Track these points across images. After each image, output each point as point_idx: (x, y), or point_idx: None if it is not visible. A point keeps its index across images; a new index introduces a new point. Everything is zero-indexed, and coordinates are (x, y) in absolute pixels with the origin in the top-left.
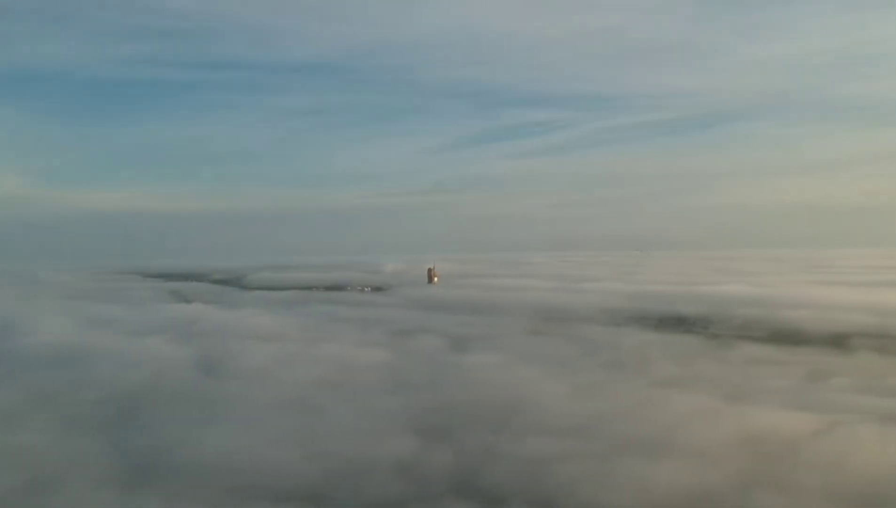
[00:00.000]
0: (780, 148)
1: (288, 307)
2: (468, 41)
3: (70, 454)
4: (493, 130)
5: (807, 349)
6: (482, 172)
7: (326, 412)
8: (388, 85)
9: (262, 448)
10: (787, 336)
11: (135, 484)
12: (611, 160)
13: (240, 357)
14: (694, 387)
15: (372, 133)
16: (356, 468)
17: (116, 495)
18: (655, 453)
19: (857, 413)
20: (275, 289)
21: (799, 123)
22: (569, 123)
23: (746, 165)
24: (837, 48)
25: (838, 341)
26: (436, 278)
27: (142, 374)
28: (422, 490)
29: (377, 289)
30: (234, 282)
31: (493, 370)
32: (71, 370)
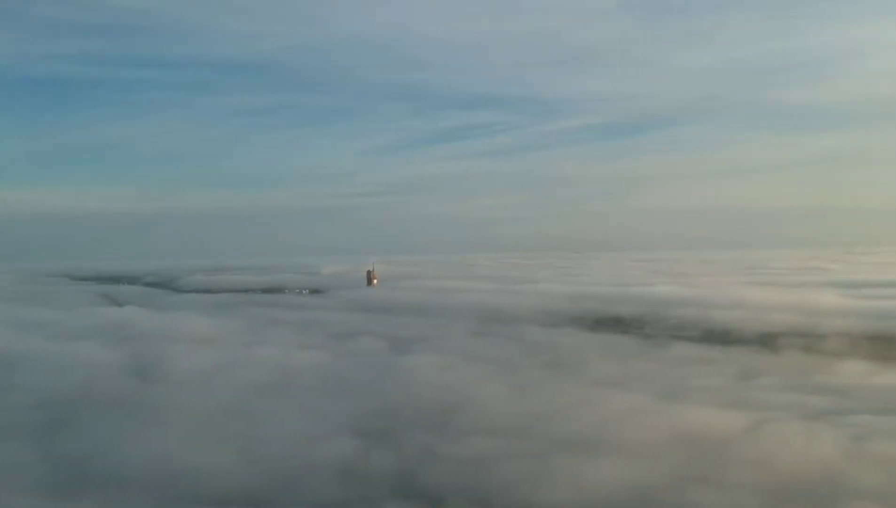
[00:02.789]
0: (712, 152)
1: (223, 310)
2: (411, 42)
3: None
4: (436, 131)
5: (737, 349)
6: (424, 174)
7: (265, 416)
8: (329, 85)
9: (198, 453)
10: (719, 336)
11: (65, 493)
12: (551, 163)
13: (174, 362)
14: (629, 386)
15: (312, 134)
16: (296, 471)
17: (45, 504)
18: (592, 451)
19: (784, 411)
20: (210, 292)
21: (731, 127)
22: (510, 126)
23: (681, 169)
24: (764, 56)
25: (767, 340)
26: (375, 280)
27: (72, 379)
28: (363, 492)
29: (315, 291)
30: (167, 285)
31: (434, 372)
32: None
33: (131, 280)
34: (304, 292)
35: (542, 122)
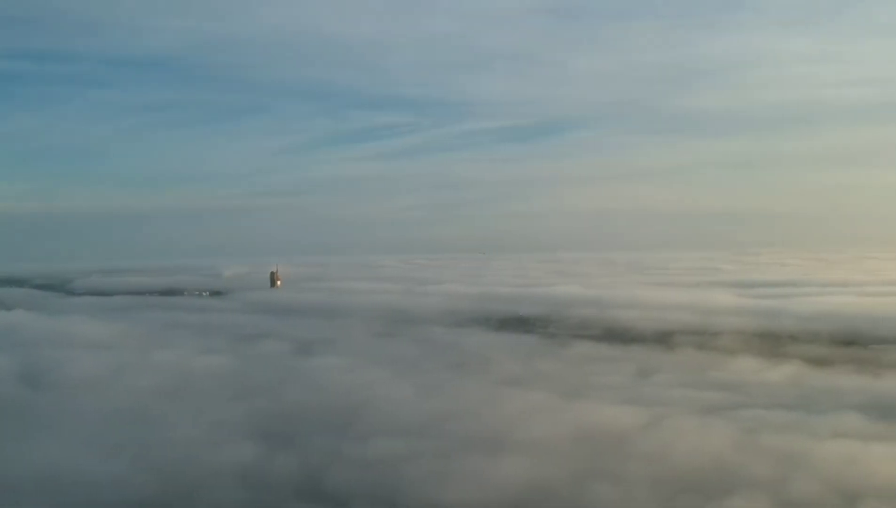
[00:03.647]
0: (615, 155)
1: (119, 314)
2: (317, 41)
3: None
4: (342, 132)
5: (636, 347)
6: (329, 175)
7: (162, 422)
8: (233, 83)
9: (91, 461)
10: (619, 335)
11: None
12: (457, 165)
13: (66, 367)
14: (533, 385)
15: (214, 132)
16: (194, 477)
17: None
18: (496, 449)
19: (680, 406)
20: (104, 294)
21: (632, 131)
22: (416, 127)
23: (584, 172)
24: (666, 63)
25: (664, 338)
26: (279, 282)
27: None
28: (264, 496)
29: (216, 293)
30: (58, 287)
31: (338, 374)
32: None
33: (19, 283)
34: (204, 294)
35: (448, 123)
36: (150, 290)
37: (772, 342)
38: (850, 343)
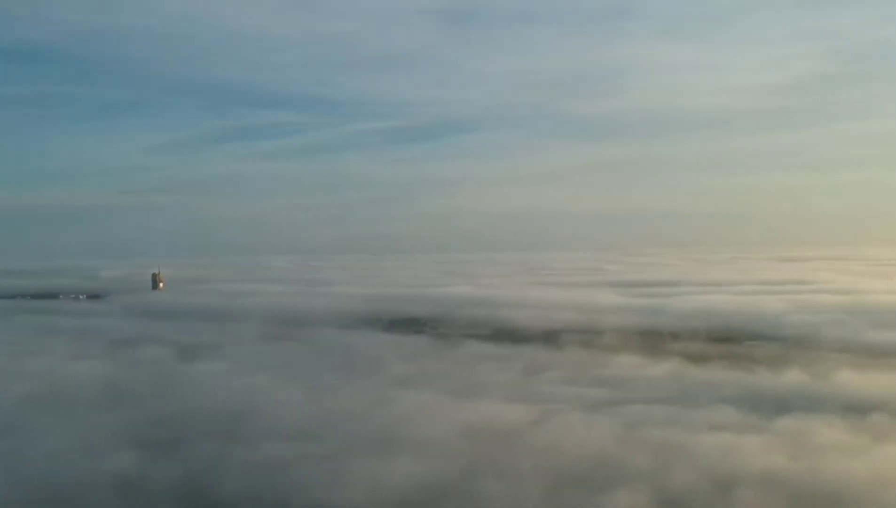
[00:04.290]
0: (506, 158)
1: None
2: (204, 36)
3: None
4: (229, 129)
5: (524, 346)
6: (216, 173)
7: (35, 431)
8: (114, 77)
9: None
10: (508, 334)
11: None
12: (348, 165)
13: None
14: (424, 385)
15: (93, 128)
16: (69, 489)
17: None
18: (387, 450)
19: (566, 403)
20: None
21: (524, 134)
22: (307, 127)
23: (476, 174)
24: (558, 67)
25: (551, 337)
26: (162, 284)
27: None
28: (146, 505)
29: (94, 296)
30: None
31: (224, 378)
32: None
33: None
34: (81, 297)
35: (339, 123)
36: (23, 293)
37: (653, 339)
38: (726, 340)
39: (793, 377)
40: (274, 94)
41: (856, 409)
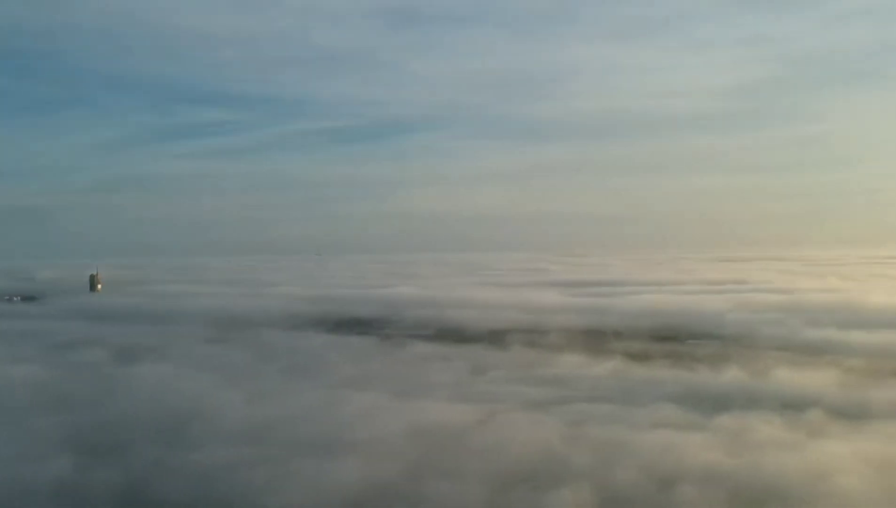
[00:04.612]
0: (450, 159)
1: None
2: (143, 32)
3: None
4: (169, 127)
5: (469, 345)
6: (155, 172)
7: None
8: (49, 72)
9: None
10: (452, 334)
11: None
12: (291, 165)
13: None
14: (369, 386)
15: (25, 125)
16: (4, 496)
17: None
18: (333, 451)
19: (511, 402)
20: None
21: (469, 136)
22: (248, 125)
23: (419, 174)
24: (506, 70)
25: (496, 336)
26: (99, 286)
27: None
28: None
29: (29, 298)
30: None
31: (165, 381)
32: None
33: None
34: (15, 299)
35: (282, 122)
36: None
37: (596, 338)
38: (668, 339)
39: (732, 375)
40: (215, 92)
41: (792, 406)
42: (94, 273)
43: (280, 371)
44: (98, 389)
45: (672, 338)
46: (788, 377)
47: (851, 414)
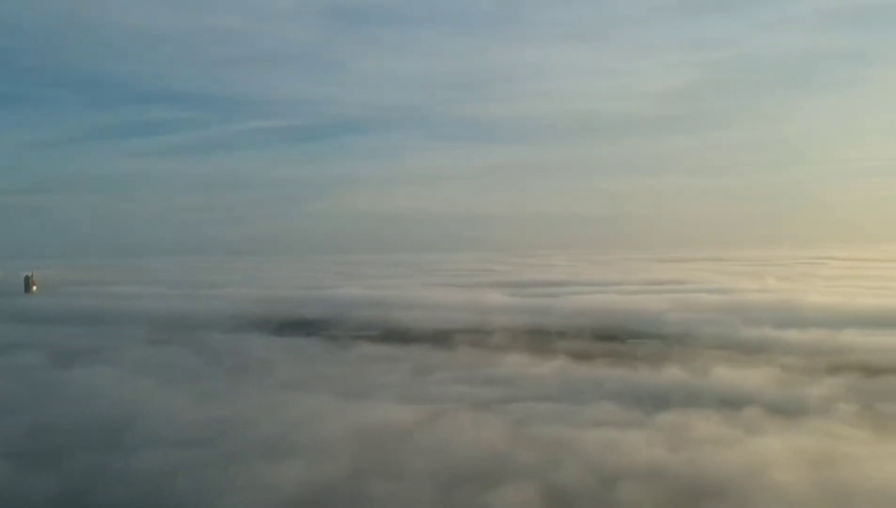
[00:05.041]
0: (397, 159)
1: None
2: (85, 29)
3: None
4: (112, 126)
5: (416, 346)
6: (95, 171)
7: None
8: None
9: None
10: (399, 335)
11: None
12: (237, 164)
13: None
14: (314, 387)
15: None
16: None
17: None
18: (276, 454)
19: (457, 402)
20: None
21: (416, 136)
22: (193, 124)
23: (366, 174)
24: (454, 70)
25: (442, 337)
26: (35, 287)
27: None
28: None
29: None
30: None
31: (105, 384)
32: None
33: None
34: None
35: (227, 121)
36: None
37: (541, 338)
38: (610, 338)
39: (673, 374)
40: (159, 89)
41: (731, 403)
42: (29, 274)
43: (224, 373)
44: (32, 393)
45: (614, 337)
46: (727, 374)
47: (786, 410)
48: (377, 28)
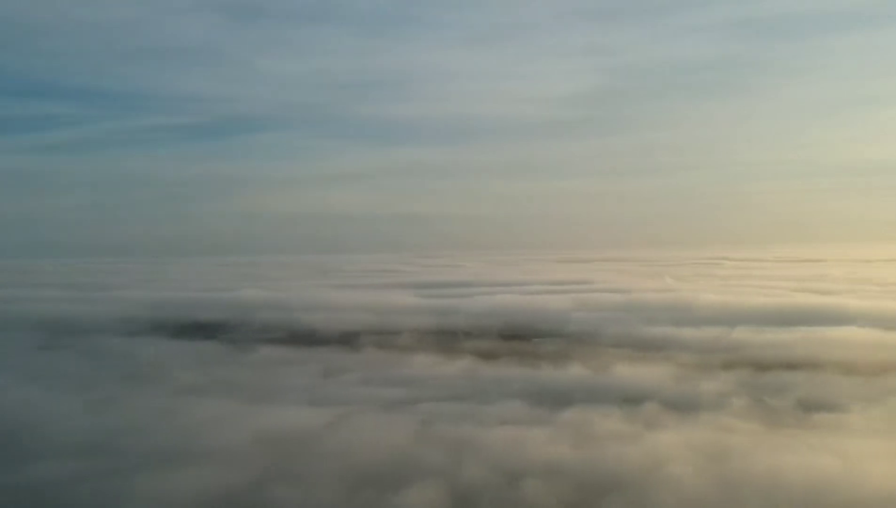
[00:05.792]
0: (297, 158)
1: None
2: None
3: None
4: None
5: (321, 349)
6: None
7: None
8: None
9: None
10: (303, 337)
11: None
12: (129, 161)
13: None
14: (216, 392)
15: None
16: None
17: None
18: (176, 462)
19: (364, 404)
20: None
21: (316, 135)
22: (83, 120)
23: (266, 174)
24: (356, 70)
25: (348, 339)
26: None
27: None
28: None
29: None
30: None
31: None
32: None
33: None
34: None
35: (120, 117)
36: None
37: (447, 338)
38: (515, 338)
39: (575, 372)
40: (45, 84)
41: (631, 399)
42: None
43: (119, 379)
44: None
45: (519, 337)
46: (627, 372)
47: (683, 406)
48: (278, 25)
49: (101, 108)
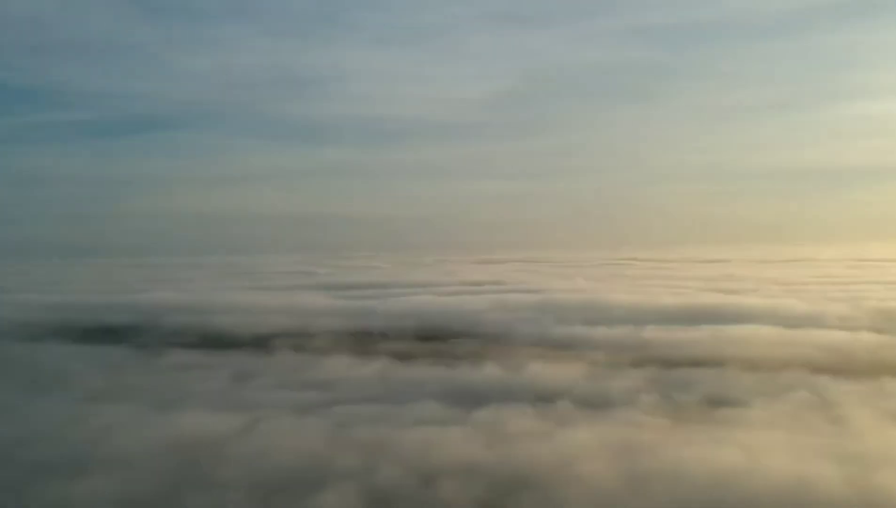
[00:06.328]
0: (209, 157)
1: None
2: None
3: None
4: None
5: (233, 352)
6: None
7: None
8: None
9: None
10: (215, 340)
11: None
12: (32, 159)
13: None
14: (122, 398)
15: None
16: None
17: None
18: (80, 471)
19: (278, 408)
20: None
21: (230, 135)
22: None
23: (177, 173)
24: (267, 69)
25: (261, 342)
26: None
27: None
28: None
29: None
30: None
31: None
32: None
33: None
34: None
35: (23, 112)
36: None
37: (362, 340)
38: (431, 338)
39: (490, 371)
40: None
41: (544, 398)
42: None
43: (18, 387)
44: None
45: (435, 338)
46: (540, 371)
47: (595, 403)
48: (191, 22)
49: (4, 102)
